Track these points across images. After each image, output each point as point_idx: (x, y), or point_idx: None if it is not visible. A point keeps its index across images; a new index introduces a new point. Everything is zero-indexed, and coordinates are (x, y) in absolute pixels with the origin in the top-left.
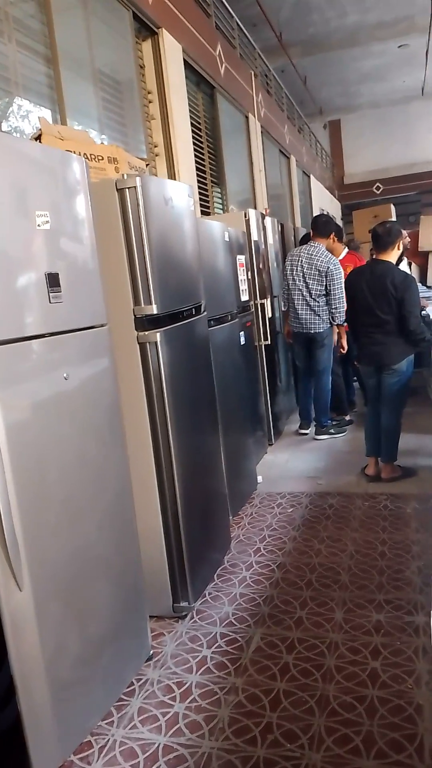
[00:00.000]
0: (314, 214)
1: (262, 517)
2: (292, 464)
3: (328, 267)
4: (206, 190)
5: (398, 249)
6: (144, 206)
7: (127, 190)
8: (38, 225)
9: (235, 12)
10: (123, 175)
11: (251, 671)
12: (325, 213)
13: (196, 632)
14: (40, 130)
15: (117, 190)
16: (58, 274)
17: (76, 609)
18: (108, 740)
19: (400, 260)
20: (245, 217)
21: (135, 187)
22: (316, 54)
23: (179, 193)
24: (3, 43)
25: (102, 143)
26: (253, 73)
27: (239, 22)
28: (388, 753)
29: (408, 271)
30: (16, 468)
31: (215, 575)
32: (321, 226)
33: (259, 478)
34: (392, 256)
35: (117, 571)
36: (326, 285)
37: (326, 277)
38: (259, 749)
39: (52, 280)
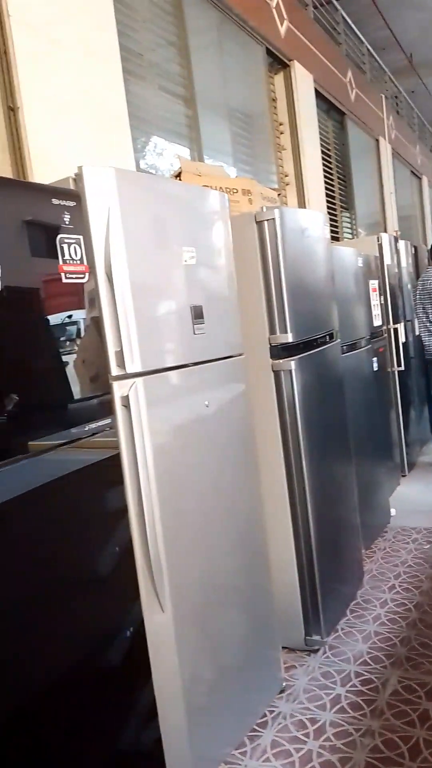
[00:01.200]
0: None
1: (397, 552)
2: (427, 497)
3: None
4: (335, 215)
5: None
6: (281, 237)
7: (265, 222)
8: (185, 261)
9: (364, 36)
10: (262, 207)
11: (388, 715)
12: None
13: (328, 668)
14: (180, 168)
15: (256, 222)
16: (201, 306)
17: (211, 635)
18: None
19: None
20: (378, 241)
21: (273, 219)
22: None
23: (314, 223)
24: (145, 88)
25: (237, 176)
26: (384, 96)
27: (369, 47)
28: None
29: None
30: (160, 491)
31: (348, 610)
32: None
33: (393, 511)
34: None
35: (249, 600)
36: None
37: None
38: None
39: (197, 313)
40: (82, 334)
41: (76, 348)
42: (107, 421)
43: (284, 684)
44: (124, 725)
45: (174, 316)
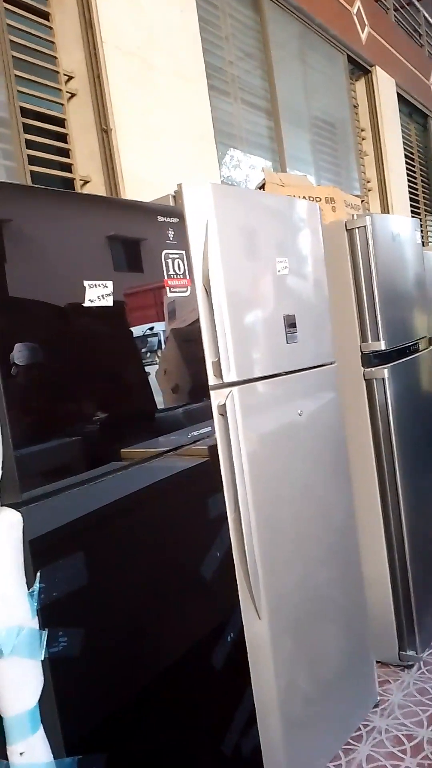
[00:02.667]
0: None
1: None
2: None
3: None
4: (420, 220)
5: None
6: (373, 244)
7: (356, 229)
8: (278, 271)
9: None
10: (353, 215)
11: None
12: None
13: (424, 684)
14: (264, 179)
15: (346, 230)
16: (294, 315)
17: (306, 646)
18: None
19: None
20: None
21: (365, 226)
22: None
23: (405, 228)
24: (229, 103)
25: (319, 185)
26: None
27: None
28: None
29: None
30: (255, 498)
31: None
32: None
33: None
34: None
35: (343, 613)
36: None
37: None
38: None
39: (289, 322)
40: (163, 345)
41: (157, 359)
42: (208, 429)
43: (378, 698)
44: (227, 729)
45: (268, 325)
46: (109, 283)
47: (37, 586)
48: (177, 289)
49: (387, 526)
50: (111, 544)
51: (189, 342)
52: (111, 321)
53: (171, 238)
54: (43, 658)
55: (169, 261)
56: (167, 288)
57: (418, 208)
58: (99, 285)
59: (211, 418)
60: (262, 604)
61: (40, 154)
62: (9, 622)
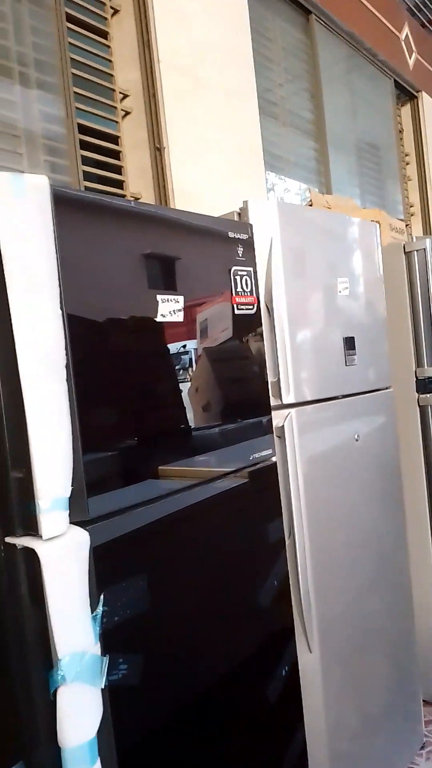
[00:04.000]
0: None
1: None
2: None
3: None
4: None
5: None
6: (431, 268)
7: (415, 252)
8: (339, 291)
9: None
10: (412, 237)
11: None
12: None
13: None
14: (310, 200)
15: (405, 253)
16: (353, 337)
17: (356, 681)
18: None
19: None
20: None
21: (424, 249)
22: None
23: None
24: (277, 124)
25: (365, 207)
26: None
27: None
28: None
29: None
30: (310, 524)
31: None
32: None
33: None
34: None
35: (394, 647)
36: None
37: None
38: None
39: (349, 344)
40: (193, 364)
41: (188, 377)
42: (269, 451)
43: (424, 740)
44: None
45: (327, 346)
46: (180, 298)
47: (100, 609)
48: (244, 307)
49: None
50: (171, 567)
51: (245, 360)
52: (174, 335)
53: (240, 255)
54: (103, 686)
55: (237, 278)
56: (234, 305)
57: None
58: (170, 300)
59: (271, 438)
60: (313, 635)
61: (95, 171)
62: (74, 648)
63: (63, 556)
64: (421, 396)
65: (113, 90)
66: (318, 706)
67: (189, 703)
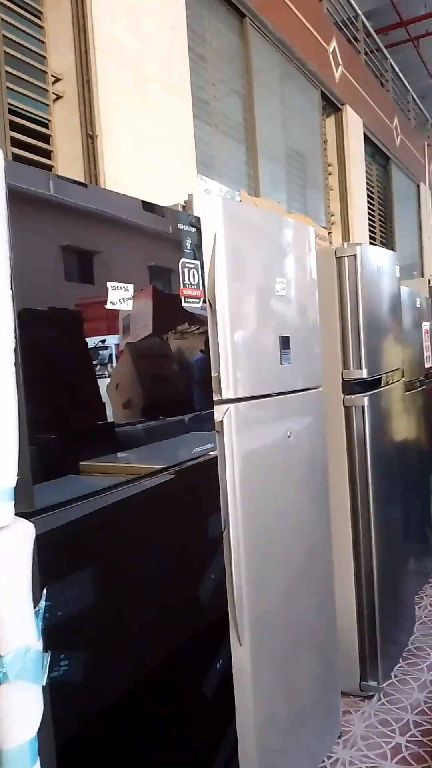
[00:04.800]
0: None
1: None
2: None
3: None
4: None
5: None
6: (361, 274)
7: (346, 258)
8: (277, 291)
9: (410, 85)
10: (343, 244)
11: None
12: None
13: (385, 716)
14: (240, 201)
15: (336, 258)
16: (288, 337)
17: (284, 676)
18: None
19: None
20: (429, 283)
21: (355, 255)
22: None
23: (387, 261)
24: (208, 130)
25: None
26: (426, 143)
27: (414, 95)
28: None
29: None
30: (245, 518)
31: (400, 657)
32: None
33: None
34: None
35: (319, 642)
36: None
37: None
38: None
39: (284, 343)
40: (114, 360)
41: (106, 373)
42: (210, 445)
43: (341, 729)
44: (212, 761)
45: (264, 344)
46: (130, 287)
47: (43, 604)
48: (191, 300)
49: (357, 554)
50: (115, 560)
51: (125, 357)
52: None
53: (188, 248)
54: (44, 683)
55: (186, 270)
56: (182, 298)
57: (375, 245)
58: (121, 288)
59: (213, 433)
60: (244, 628)
61: (24, 154)
62: (18, 644)
63: (7, 548)
64: (346, 397)
65: (45, 72)
66: (248, 699)
67: (127, 699)
